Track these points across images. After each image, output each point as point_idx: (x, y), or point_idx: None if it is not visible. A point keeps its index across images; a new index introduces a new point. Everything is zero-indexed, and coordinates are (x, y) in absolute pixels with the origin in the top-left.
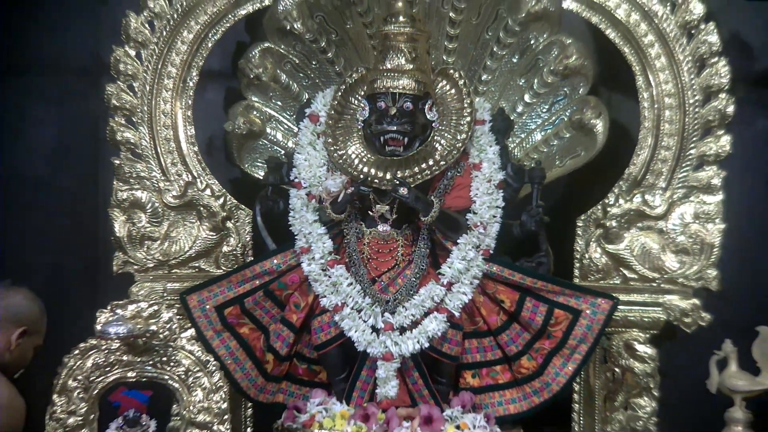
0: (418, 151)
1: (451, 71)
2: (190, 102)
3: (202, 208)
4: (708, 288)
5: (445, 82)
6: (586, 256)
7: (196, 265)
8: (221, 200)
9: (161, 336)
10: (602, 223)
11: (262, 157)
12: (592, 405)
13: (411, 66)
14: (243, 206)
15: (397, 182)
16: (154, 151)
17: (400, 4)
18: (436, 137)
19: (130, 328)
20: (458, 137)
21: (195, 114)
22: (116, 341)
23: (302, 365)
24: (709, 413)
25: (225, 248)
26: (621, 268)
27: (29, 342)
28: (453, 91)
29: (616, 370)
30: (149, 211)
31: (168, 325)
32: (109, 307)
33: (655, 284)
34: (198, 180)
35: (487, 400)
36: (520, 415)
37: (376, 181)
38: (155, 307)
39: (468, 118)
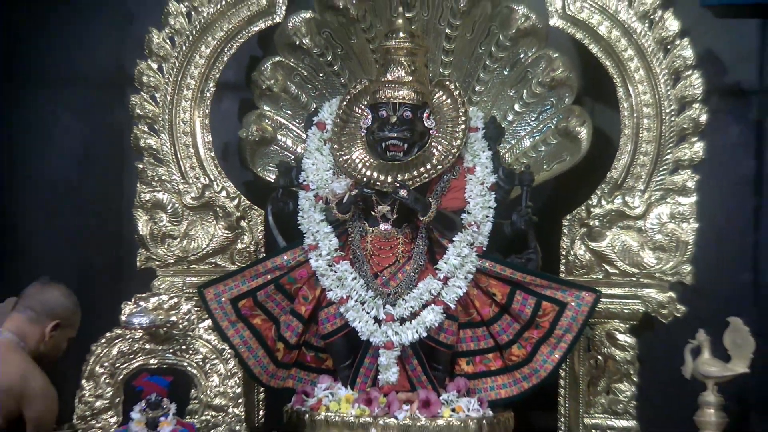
0: (416, 156)
1: (447, 83)
2: (207, 111)
3: (218, 209)
4: (683, 282)
5: (441, 92)
6: (572, 252)
7: (213, 261)
8: (236, 201)
9: (180, 326)
10: (586, 222)
11: (273, 161)
12: (576, 389)
13: (410, 78)
14: (255, 207)
15: (398, 185)
16: (174, 156)
17: (400, 21)
18: (433, 143)
19: (152, 319)
20: (454, 143)
21: (212, 122)
22: (139, 331)
23: (310, 353)
24: (684, 397)
25: (239, 245)
26: (603, 264)
27: (63, 334)
28: (449, 101)
29: (599, 357)
30: (170, 211)
31: (187, 316)
32: (132, 300)
33: (634, 279)
34: (214, 183)
35: (480, 385)
36: (510, 399)
37: (378, 183)
38: (175, 300)
39: (462, 126)
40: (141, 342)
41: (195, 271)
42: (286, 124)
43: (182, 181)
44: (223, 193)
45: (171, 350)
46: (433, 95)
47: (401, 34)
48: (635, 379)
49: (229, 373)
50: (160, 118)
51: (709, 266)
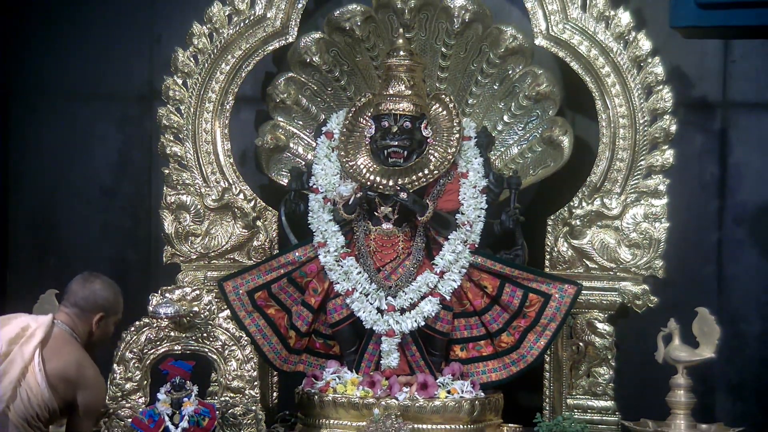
0: (415, 162)
1: (443, 96)
2: (226, 122)
3: (236, 210)
4: (655, 275)
5: (438, 105)
6: (555, 249)
7: (231, 257)
8: (252, 203)
9: (202, 316)
10: (568, 222)
11: (286, 167)
12: (560, 373)
13: (409, 92)
14: (270, 208)
15: (398, 188)
16: (196, 163)
17: (401, 41)
18: (430, 151)
19: (176, 309)
20: (449, 151)
21: (231, 131)
22: (165, 320)
23: (319, 340)
24: (657, 380)
25: (255, 243)
26: (584, 260)
27: (108, 322)
28: (444, 112)
29: (580, 344)
30: (193, 212)
31: (208, 307)
32: (159, 292)
33: (612, 273)
34: (233, 186)
35: (472, 369)
36: (500, 382)
37: (380, 187)
38: (197, 292)
39: (457, 135)
40: (166, 330)
41: (215, 266)
42: (297, 133)
43: (204, 184)
44: (241, 196)
45: (193, 337)
46: (430, 107)
47: (401, 53)
48: (613, 364)
49: (245, 359)
50: (184, 129)
51: (679, 261)
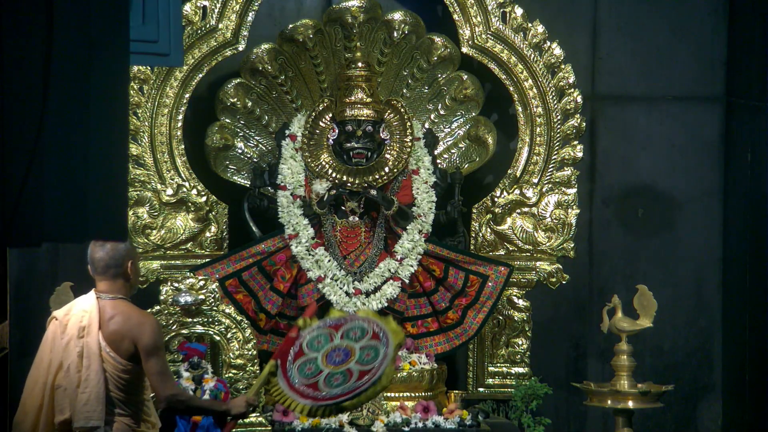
0: (376, 162)
1: (395, 102)
2: (179, 124)
3: (190, 204)
4: (566, 255)
5: (390, 110)
6: (480, 234)
7: (185, 247)
8: (204, 198)
9: (208, 303)
10: (491, 209)
11: (232, 163)
12: (483, 344)
13: (369, 99)
14: (221, 202)
15: (366, 185)
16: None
17: (358, 54)
18: (387, 150)
19: (195, 298)
20: (404, 150)
21: (183, 132)
22: (179, 308)
23: (283, 321)
24: (602, 349)
25: (207, 234)
26: (505, 243)
27: (136, 264)
28: (397, 116)
29: (500, 318)
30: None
31: (212, 295)
32: (168, 283)
33: (529, 254)
34: (187, 183)
35: (422, 343)
36: (444, 354)
37: (348, 184)
38: (203, 282)
39: (410, 137)
40: (176, 316)
41: (170, 256)
42: (240, 132)
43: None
44: (194, 192)
45: (200, 322)
46: (384, 112)
47: (360, 64)
48: (529, 335)
49: (246, 339)
50: (140, 130)
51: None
